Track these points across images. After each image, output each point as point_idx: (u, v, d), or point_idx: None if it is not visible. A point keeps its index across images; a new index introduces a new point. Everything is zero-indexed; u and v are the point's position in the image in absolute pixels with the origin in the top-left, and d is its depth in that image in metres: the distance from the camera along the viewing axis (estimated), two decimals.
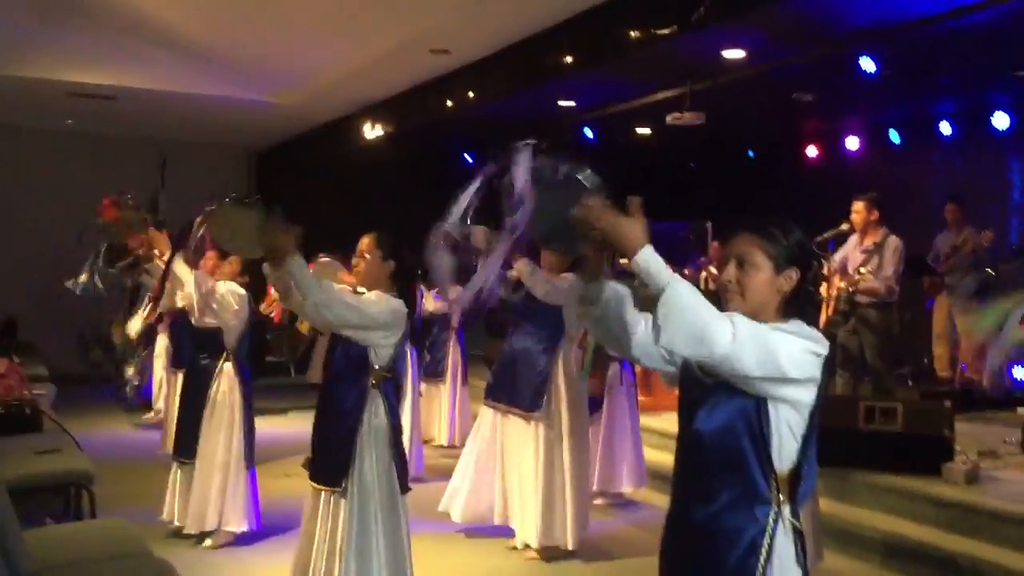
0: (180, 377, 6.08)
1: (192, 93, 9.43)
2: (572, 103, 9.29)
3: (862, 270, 6.51)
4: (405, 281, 4.00)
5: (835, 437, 5.58)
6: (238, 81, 9.04)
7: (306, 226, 4.27)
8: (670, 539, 2.46)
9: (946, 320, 8.29)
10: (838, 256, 6.86)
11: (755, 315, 2.31)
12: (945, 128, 9.28)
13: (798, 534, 2.32)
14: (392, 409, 3.93)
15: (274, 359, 12.37)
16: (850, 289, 6.52)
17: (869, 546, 5.23)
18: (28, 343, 10.34)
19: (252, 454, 5.36)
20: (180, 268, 5.23)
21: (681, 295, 2.14)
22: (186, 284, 5.23)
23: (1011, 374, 8.30)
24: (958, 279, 8.07)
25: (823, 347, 2.26)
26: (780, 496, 2.28)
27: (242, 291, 5.36)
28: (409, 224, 6.74)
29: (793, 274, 2.32)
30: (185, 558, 4.86)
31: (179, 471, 5.38)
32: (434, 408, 8.16)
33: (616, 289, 2.40)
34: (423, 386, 7.91)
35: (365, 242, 3.95)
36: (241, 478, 5.31)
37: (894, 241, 6.63)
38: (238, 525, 5.29)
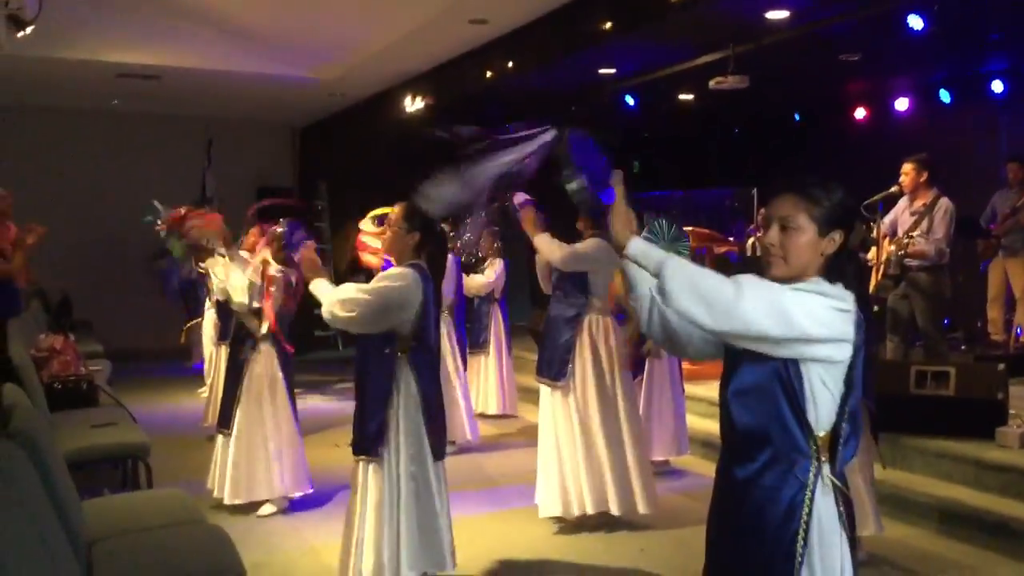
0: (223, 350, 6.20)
1: (234, 71, 9.50)
2: (612, 70, 9.20)
3: (912, 234, 6.39)
4: (433, 253, 4.05)
5: (886, 402, 5.50)
6: (279, 57, 9.09)
7: (349, 201, 4.33)
8: (716, 501, 2.47)
9: (1001, 283, 8.11)
10: (887, 219, 6.73)
11: (797, 279, 2.29)
12: (997, 86, 9.03)
13: (840, 494, 2.30)
14: (423, 377, 3.97)
15: (322, 333, 12.57)
16: (899, 253, 6.40)
17: (922, 512, 5.17)
18: (83, 321, 10.58)
19: (298, 423, 5.51)
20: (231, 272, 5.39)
21: (682, 264, 2.20)
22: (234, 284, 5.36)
23: None
24: (1016, 240, 7.89)
25: (848, 303, 2.24)
26: (820, 456, 2.27)
27: (278, 273, 5.42)
28: None
29: (837, 236, 2.29)
30: (239, 527, 4.97)
31: (222, 443, 5.48)
32: (479, 379, 8.21)
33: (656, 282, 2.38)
34: (470, 359, 7.97)
35: (394, 212, 4.01)
36: (291, 447, 5.44)
37: (945, 203, 6.49)
38: (292, 491, 5.43)
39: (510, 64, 7.92)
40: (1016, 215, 7.77)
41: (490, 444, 7.25)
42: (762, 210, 9.61)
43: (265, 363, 5.45)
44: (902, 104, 9.97)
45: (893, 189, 6.63)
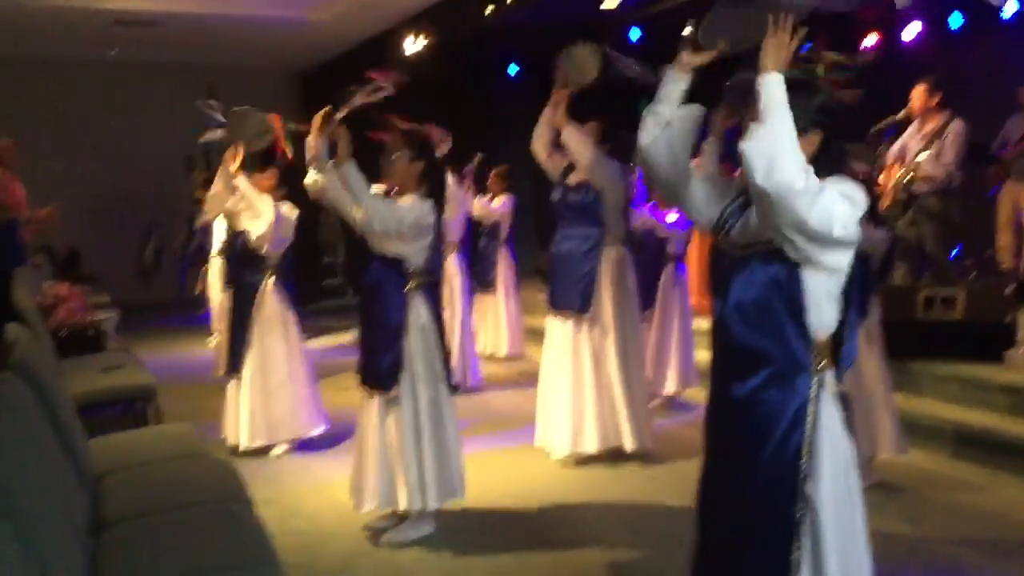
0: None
1: (232, 14, 9.39)
2: (614, 4, 9.02)
3: (921, 155, 6.29)
4: (434, 183, 4.01)
5: (894, 328, 5.47)
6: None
7: (355, 143, 4.29)
8: (713, 417, 2.45)
9: (1012, 209, 7.98)
10: (896, 145, 6.64)
11: None
12: (1011, 5, 8.81)
13: (843, 400, 2.29)
14: (435, 310, 3.98)
15: (331, 282, 12.58)
16: (907, 177, 6.31)
17: (931, 435, 5.17)
18: (91, 274, 10.60)
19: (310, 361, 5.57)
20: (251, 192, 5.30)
21: (784, 127, 2.16)
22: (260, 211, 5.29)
23: None
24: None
25: (864, 206, 2.22)
26: (822, 363, 2.25)
27: (286, 210, 5.38)
28: (455, 137, 6.76)
29: (815, 137, 2.28)
30: (249, 466, 5.01)
31: (234, 387, 5.45)
32: (487, 320, 8.19)
33: (695, 109, 2.50)
34: (477, 297, 7.96)
35: (395, 140, 3.98)
36: (308, 386, 5.50)
37: (957, 124, 6.38)
38: (309, 430, 5.48)
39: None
40: None
41: (499, 384, 7.26)
42: None
43: (273, 303, 5.44)
44: (912, 30, 9.76)
45: (900, 115, 6.53)
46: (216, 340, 7.84)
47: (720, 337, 2.39)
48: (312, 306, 11.05)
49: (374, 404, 4.00)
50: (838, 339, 2.29)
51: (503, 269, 8.17)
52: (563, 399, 5.07)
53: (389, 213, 3.79)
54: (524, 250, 9.04)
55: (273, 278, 5.44)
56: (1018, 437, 4.82)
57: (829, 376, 2.28)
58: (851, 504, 2.32)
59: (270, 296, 5.43)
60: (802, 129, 2.23)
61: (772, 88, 2.18)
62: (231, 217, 5.48)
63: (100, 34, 10.18)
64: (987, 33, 9.28)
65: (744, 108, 2.31)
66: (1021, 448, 4.76)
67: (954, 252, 7.54)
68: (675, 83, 2.45)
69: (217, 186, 5.41)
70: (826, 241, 2.16)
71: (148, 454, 3.62)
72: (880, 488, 4.50)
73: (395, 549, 3.98)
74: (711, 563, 2.42)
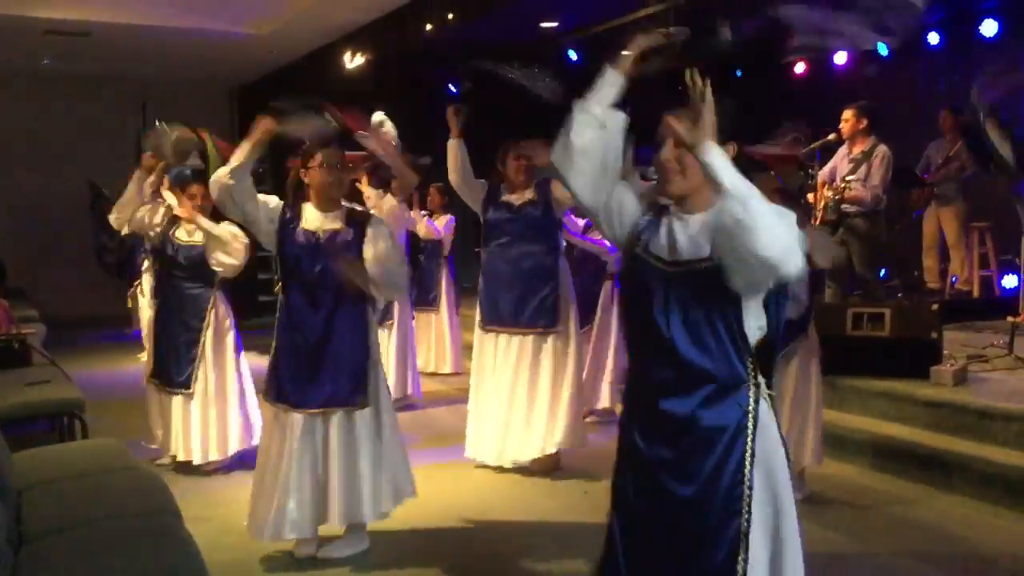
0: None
1: (167, 26, 9.26)
2: (555, 24, 9.14)
3: (849, 178, 6.48)
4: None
5: (824, 345, 5.60)
6: (213, 12, 8.87)
7: (289, 163, 4.25)
8: (642, 431, 2.40)
9: (935, 232, 8.26)
10: (827, 167, 6.82)
11: (696, 192, 2.32)
12: (933, 38, 9.13)
13: (773, 401, 2.34)
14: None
15: (266, 298, 12.41)
16: (836, 198, 6.48)
17: (859, 449, 5.28)
18: (18, 288, 10.30)
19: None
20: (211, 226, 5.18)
21: (769, 208, 2.11)
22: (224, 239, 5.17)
23: (1000, 283, 8.33)
24: (948, 189, 8.02)
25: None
26: (757, 373, 2.29)
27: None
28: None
29: (731, 148, 2.29)
30: (182, 482, 4.91)
31: (181, 404, 5.27)
32: (428, 337, 8.16)
33: (623, 116, 2.43)
34: (418, 316, 7.94)
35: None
36: (251, 399, 5.39)
37: (882, 150, 6.58)
38: (249, 443, 5.33)
39: (450, 16, 7.82)
40: (949, 164, 7.90)
41: (441, 400, 7.22)
42: None
43: (221, 316, 5.36)
44: (841, 58, 10.05)
45: (830, 137, 6.72)
46: (145, 356, 7.66)
47: (659, 353, 2.32)
48: (247, 321, 10.90)
49: (322, 422, 3.92)
50: (770, 346, 2.32)
51: (444, 287, 8.17)
52: (516, 411, 5.11)
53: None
54: (463, 268, 9.04)
55: (220, 292, 5.37)
56: (942, 451, 4.94)
57: (764, 382, 2.31)
58: (789, 513, 2.33)
59: (219, 311, 5.35)
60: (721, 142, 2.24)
61: (723, 162, 2.15)
62: (141, 228, 5.36)
63: (30, 44, 9.96)
64: (912, 60, 9.60)
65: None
66: (944, 461, 4.88)
67: (882, 272, 7.76)
68: (612, 86, 2.39)
69: (129, 193, 5.30)
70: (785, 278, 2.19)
71: (73, 468, 3.52)
72: (808, 501, 4.58)
73: (327, 567, 3.92)
74: None
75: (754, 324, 2.27)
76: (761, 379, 2.29)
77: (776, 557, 2.30)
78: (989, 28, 8.56)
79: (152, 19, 9.01)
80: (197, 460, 5.23)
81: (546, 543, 4.18)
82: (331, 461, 3.87)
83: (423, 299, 8.08)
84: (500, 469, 5.19)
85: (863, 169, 6.54)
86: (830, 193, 6.55)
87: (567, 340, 5.19)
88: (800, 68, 10.62)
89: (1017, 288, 7.68)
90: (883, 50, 9.60)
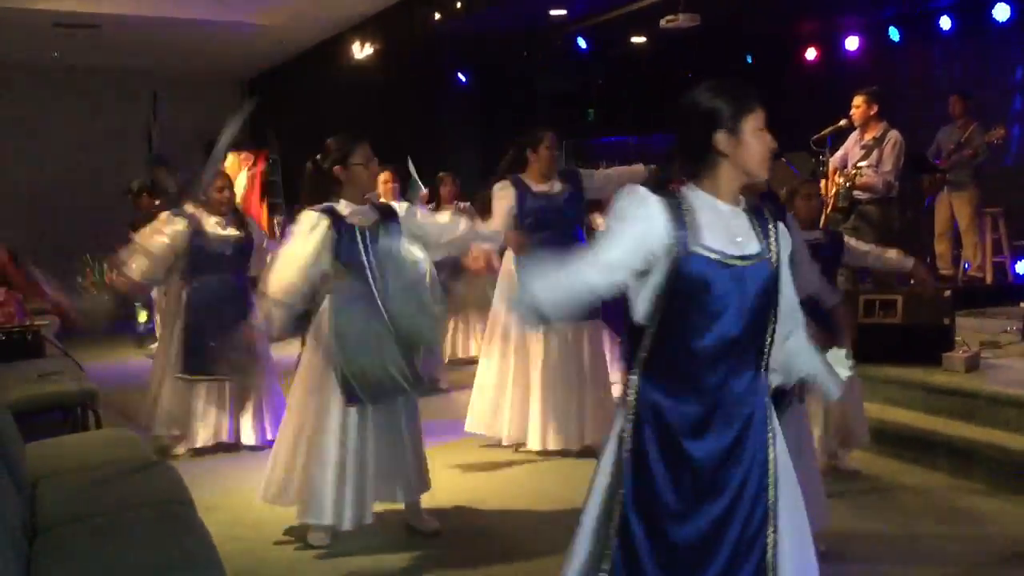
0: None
1: (176, 17, 9.26)
2: (563, 12, 9.09)
3: (860, 164, 6.44)
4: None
5: None
6: (222, 2, 8.85)
7: (301, 154, 4.25)
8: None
9: (948, 218, 8.20)
10: (838, 153, 6.79)
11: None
12: (945, 23, 9.07)
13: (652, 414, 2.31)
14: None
15: None
16: (848, 184, 6.45)
17: (872, 436, 5.24)
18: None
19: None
20: None
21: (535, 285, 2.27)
22: None
23: (1013, 269, 8.28)
24: (961, 175, 7.96)
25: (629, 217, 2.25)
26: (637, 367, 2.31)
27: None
28: (405, 144, 6.74)
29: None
30: (194, 471, 4.91)
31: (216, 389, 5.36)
32: (455, 323, 8.11)
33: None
34: None
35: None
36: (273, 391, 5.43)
37: (894, 135, 6.55)
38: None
39: (458, 5, 7.80)
40: (961, 150, 7.83)
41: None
42: None
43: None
44: (852, 43, 9.99)
45: (842, 123, 6.69)
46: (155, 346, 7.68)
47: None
48: None
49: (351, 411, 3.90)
50: (651, 346, 2.32)
51: None
52: (565, 398, 5.12)
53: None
54: None
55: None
56: (956, 438, 4.92)
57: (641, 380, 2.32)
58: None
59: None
60: None
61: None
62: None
63: (39, 37, 9.97)
64: (924, 45, 9.54)
65: None
66: (958, 448, 4.86)
67: None
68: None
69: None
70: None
71: (86, 458, 3.54)
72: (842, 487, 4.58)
73: (340, 556, 3.93)
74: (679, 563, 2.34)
75: (639, 318, 2.31)
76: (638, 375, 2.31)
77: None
78: (1002, 12, 8.50)
79: (161, 10, 9.01)
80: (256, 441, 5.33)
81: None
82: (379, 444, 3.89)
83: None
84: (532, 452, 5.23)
85: (875, 155, 6.51)
86: (842, 180, 6.53)
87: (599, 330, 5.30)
88: (811, 54, 10.57)
89: None
90: (895, 35, 9.57)
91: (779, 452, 2.32)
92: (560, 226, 5.08)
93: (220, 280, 5.29)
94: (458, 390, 6.94)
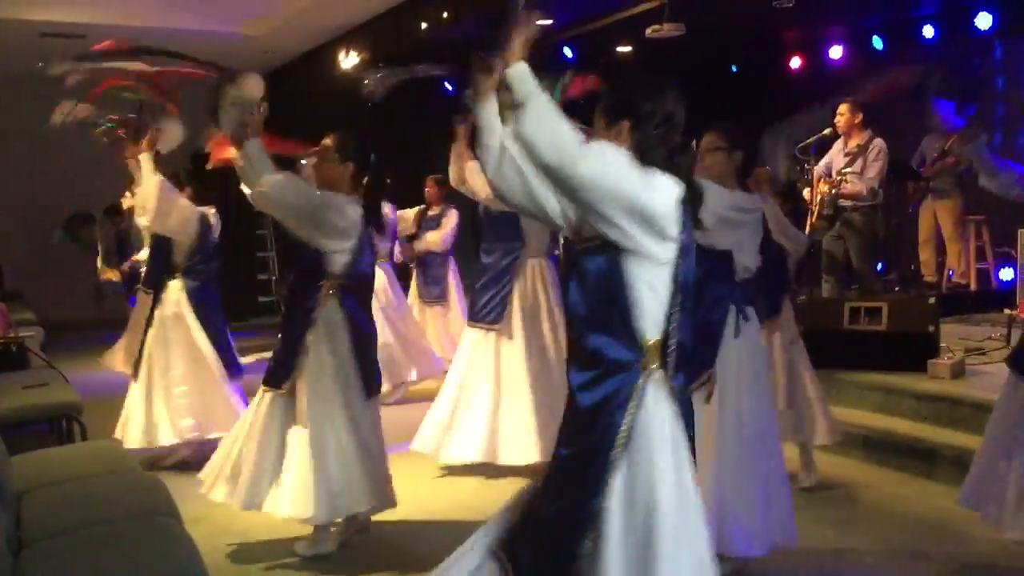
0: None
1: (162, 27, 9.24)
2: (549, 21, 9.11)
3: (845, 171, 6.49)
4: (369, 187, 4.02)
5: (821, 339, 5.62)
6: (209, 13, 8.86)
7: (289, 160, 4.25)
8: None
9: (932, 225, 8.26)
10: (823, 161, 6.83)
11: None
12: (928, 31, 9.14)
13: (679, 402, 2.27)
14: (353, 316, 3.91)
15: (265, 299, 12.41)
16: (833, 192, 6.49)
17: (856, 442, 5.29)
18: (16, 291, 10.31)
19: (230, 367, 5.38)
20: (147, 164, 5.21)
21: (550, 106, 2.16)
22: (146, 182, 5.18)
23: (997, 276, 8.34)
24: (945, 183, 8.02)
25: (675, 196, 2.22)
26: (651, 364, 2.24)
27: (198, 209, 5.35)
28: (391, 154, 6.76)
29: (623, 127, 2.31)
30: (180, 483, 4.89)
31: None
32: (436, 330, 8.13)
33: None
34: (427, 310, 7.97)
35: (326, 142, 3.97)
36: (220, 390, 5.31)
37: (878, 143, 6.59)
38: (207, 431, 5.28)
39: (445, 15, 7.82)
40: (945, 158, 7.90)
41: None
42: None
43: (174, 306, 5.37)
44: (836, 52, 10.05)
45: (826, 132, 6.73)
46: None
47: (567, 327, 2.40)
48: (245, 322, 10.93)
49: (267, 402, 3.94)
50: (667, 340, 2.25)
51: (452, 280, 8.16)
52: (467, 407, 5.04)
53: (293, 188, 3.74)
54: (464, 261, 9.04)
55: (177, 281, 5.38)
56: (941, 444, 4.95)
57: (659, 375, 2.24)
58: (686, 506, 2.23)
59: (171, 300, 5.37)
60: (608, 121, 2.32)
61: (524, 76, 2.18)
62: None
63: (27, 47, 9.92)
64: (907, 53, 9.60)
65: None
66: (944, 455, 4.89)
67: (879, 266, 7.77)
68: (487, 111, 2.29)
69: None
70: (644, 218, 2.16)
71: (72, 470, 3.52)
72: (807, 493, 4.60)
73: (326, 565, 3.93)
74: (515, 545, 2.38)
75: (647, 311, 2.25)
76: (656, 368, 2.25)
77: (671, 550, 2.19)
78: (984, 21, 8.56)
79: (148, 20, 9.00)
80: (128, 445, 5.18)
81: None
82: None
83: (434, 294, 8.06)
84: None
85: (859, 163, 6.55)
86: (826, 187, 6.56)
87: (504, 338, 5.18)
88: (796, 63, 10.63)
89: (1013, 281, 7.70)
90: (879, 44, 9.63)
91: None
92: (494, 233, 5.14)
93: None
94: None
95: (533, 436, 4.87)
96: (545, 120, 2.14)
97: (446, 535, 4.22)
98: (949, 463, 4.84)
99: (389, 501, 4.03)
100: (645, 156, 2.27)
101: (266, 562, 4.00)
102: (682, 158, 2.30)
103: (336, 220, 3.80)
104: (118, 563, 2.66)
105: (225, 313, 5.64)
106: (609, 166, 2.15)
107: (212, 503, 4.69)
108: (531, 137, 2.14)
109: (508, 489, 4.81)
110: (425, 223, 7.96)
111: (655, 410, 2.23)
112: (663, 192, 2.20)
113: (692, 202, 2.30)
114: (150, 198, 5.15)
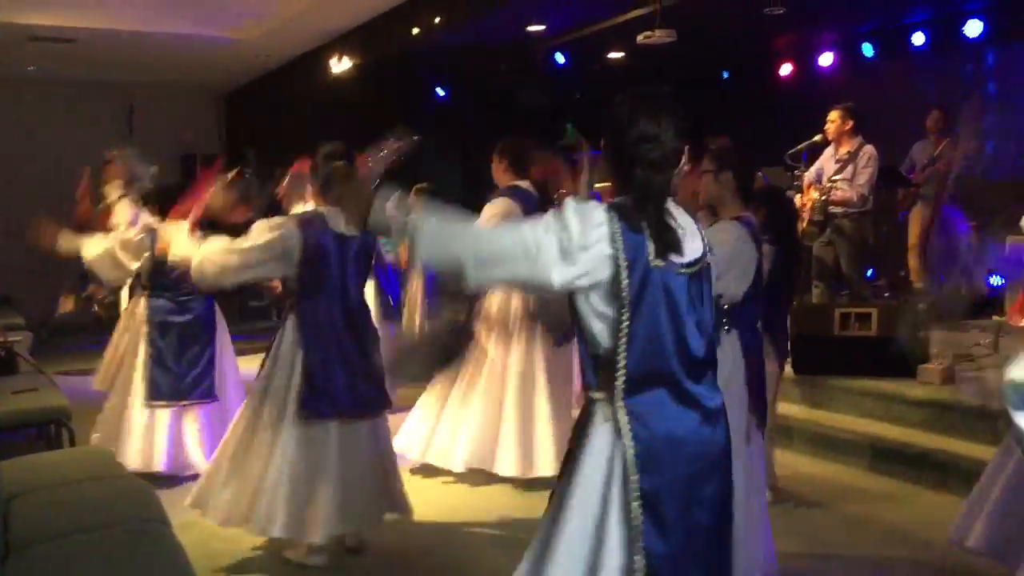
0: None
1: (153, 32, 9.21)
2: (541, 27, 9.13)
3: (835, 178, 6.51)
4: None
5: (811, 344, 5.64)
6: (200, 17, 8.83)
7: (279, 166, 4.25)
8: None
9: (921, 231, 8.28)
10: (813, 168, 6.85)
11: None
12: (918, 38, 9.19)
13: (629, 435, 2.17)
14: (306, 336, 3.88)
15: (257, 303, 12.37)
16: (823, 199, 6.51)
17: (848, 449, 5.30)
18: (5, 296, 10.26)
19: (156, 391, 5.30)
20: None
21: (428, 230, 2.20)
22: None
23: (987, 282, 8.36)
24: (934, 190, 8.04)
25: (592, 216, 2.17)
26: (607, 391, 2.21)
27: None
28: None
29: (605, 141, 2.32)
30: (168, 489, 4.88)
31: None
32: None
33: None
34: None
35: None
36: (141, 416, 5.29)
37: (868, 150, 6.61)
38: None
39: (437, 20, 7.81)
40: (935, 164, 7.93)
41: None
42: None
43: (135, 324, 5.49)
44: (826, 59, 10.10)
45: (816, 138, 6.75)
46: None
47: None
48: (236, 327, 10.87)
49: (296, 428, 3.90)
50: (614, 363, 2.18)
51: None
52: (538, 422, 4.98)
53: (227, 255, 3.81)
54: None
55: (144, 298, 5.46)
56: (931, 449, 4.97)
57: (603, 400, 2.22)
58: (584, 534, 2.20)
59: (134, 317, 5.48)
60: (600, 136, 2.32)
61: (391, 217, 2.26)
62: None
63: (16, 51, 9.90)
64: (898, 61, 9.66)
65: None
66: (933, 460, 4.91)
67: (869, 272, 7.79)
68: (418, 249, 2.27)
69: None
70: (543, 257, 2.15)
71: (61, 476, 3.50)
72: (797, 500, 4.60)
73: (318, 571, 3.91)
74: None
75: (596, 338, 2.23)
76: (607, 397, 2.22)
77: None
78: (973, 28, 8.62)
79: (138, 25, 8.97)
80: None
81: None
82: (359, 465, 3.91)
83: (434, 307, 8.01)
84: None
85: (849, 169, 6.57)
86: (817, 194, 6.58)
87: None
88: (786, 70, 10.68)
89: (1002, 287, 7.72)
90: (869, 51, 9.68)
91: None
92: None
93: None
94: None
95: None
96: (431, 246, 2.20)
97: (448, 544, 4.24)
98: (938, 468, 4.85)
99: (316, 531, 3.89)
100: (617, 171, 2.27)
101: (255, 567, 3.98)
102: (658, 177, 2.23)
103: (276, 252, 3.85)
104: (107, 569, 2.65)
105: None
106: (487, 243, 2.19)
107: None
108: (432, 262, 2.24)
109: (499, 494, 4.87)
110: None
111: (593, 434, 2.22)
112: (552, 223, 2.16)
113: (657, 227, 2.19)
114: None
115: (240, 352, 9.04)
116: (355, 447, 3.89)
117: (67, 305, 8.76)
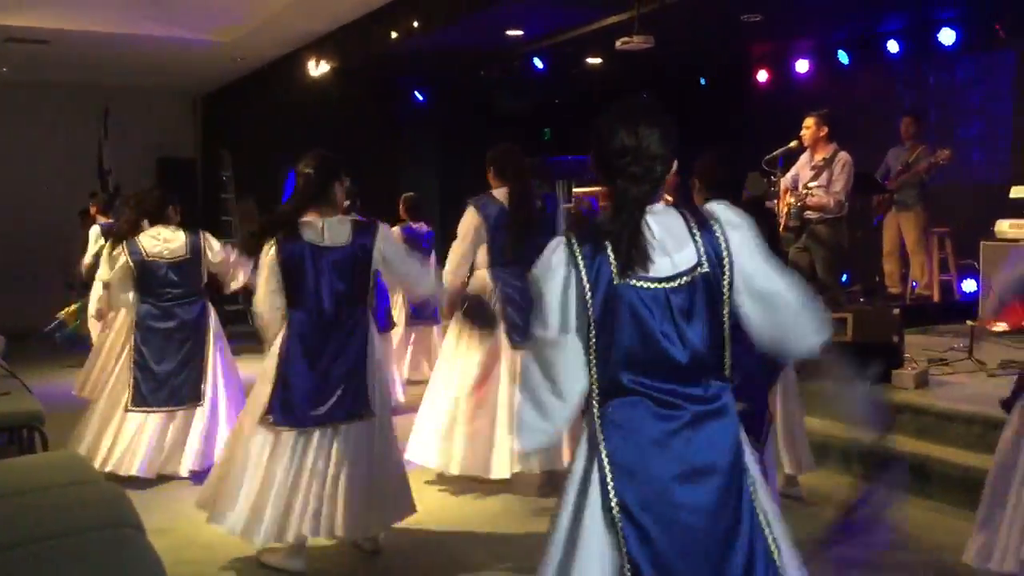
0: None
1: (129, 34, 9.16)
2: (520, 32, 9.15)
3: (811, 185, 6.56)
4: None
5: None
6: (177, 19, 8.78)
7: (253, 170, 4.24)
8: None
9: (895, 237, 8.36)
10: (789, 174, 6.90)
11: None
12: (893, 46, 9.28)
13: (597, 428, 2.23)
14: (283, 344, 3.92)
15: (234, 307, 12.31)
16: (799, 204, 6.56)
17: (821, 453, 5.31)
18: None
19: (140, 397, 5.37)
20: None
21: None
22: None
23: (960, 287, 8.46)
24: (908, 195, 8.12)
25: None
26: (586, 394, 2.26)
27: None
28: (361, 162, 6.73)
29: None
30: (143, 494, 4.84)
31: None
32: (427, 349, 8.10)
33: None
34: (412, 332, 7.96)
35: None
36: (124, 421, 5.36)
37: (844, 156, 6.67)
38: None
39: (415, 23, 7.81)
40: (909, 170, 8.01)
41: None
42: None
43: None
44: (802, 66, 10.18)
45: (792, 144, 6.81)
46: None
47: None
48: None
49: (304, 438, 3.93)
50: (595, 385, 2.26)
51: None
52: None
53: None
54: None
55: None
56: (907, 454, 5.00)
57: (585, 411, 2.28)
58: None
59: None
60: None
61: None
62: None
63: None
64: (872, 68, 9.75)
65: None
66: (909, 465, 4.93)
67: (844, 277, 7.85)
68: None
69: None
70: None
71: (33, 481, 3.45)
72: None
73: None
74: None
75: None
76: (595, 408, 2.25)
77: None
78: (947, 37, 8.72)
79: (113, 26, 8.91)
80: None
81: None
82: (338, 472, 3.89)
83: (423, 313, 7.98)
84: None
85: (825, 175, 6.62)
86: (793, 200, 6.63)
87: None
88: (763, 76, 10.76)
89: (976, 292, 7.81)
90: (844, 58, 9.77)
91: None
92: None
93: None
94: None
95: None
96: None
97: (432, 549, 4.23)
98: (912, 472, 4.88)
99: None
100: (604, 181, 2.30)
101: (230, 572, 3.95)
102: (635, 189, 2.22)
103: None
104: (80, 574, 2.61)
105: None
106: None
107: (176, 514, 4.66)
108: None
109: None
110: None
111: (582, 441, 2.26)
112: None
113: (626, 243, 2.19)
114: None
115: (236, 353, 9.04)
116: (328, 454, 3.89)
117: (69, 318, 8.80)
